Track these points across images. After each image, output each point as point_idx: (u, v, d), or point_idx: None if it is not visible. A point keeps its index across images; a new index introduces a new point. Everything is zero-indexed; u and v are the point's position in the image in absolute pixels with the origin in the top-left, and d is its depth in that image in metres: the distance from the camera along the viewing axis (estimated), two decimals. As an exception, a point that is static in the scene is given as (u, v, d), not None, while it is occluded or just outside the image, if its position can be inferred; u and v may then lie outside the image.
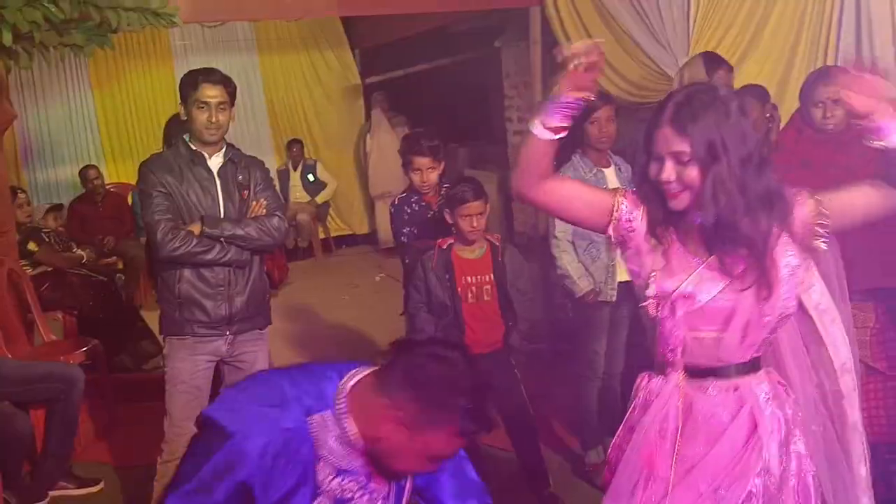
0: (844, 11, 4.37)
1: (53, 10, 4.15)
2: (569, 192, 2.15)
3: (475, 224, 3.63)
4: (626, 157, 4.60)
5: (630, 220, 2.10)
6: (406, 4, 6.50)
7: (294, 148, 9.43)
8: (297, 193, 9.45)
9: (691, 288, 2.05)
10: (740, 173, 1.93)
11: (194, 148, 3.42)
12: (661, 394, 2.17)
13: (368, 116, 9.88)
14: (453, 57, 8.33)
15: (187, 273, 3.38)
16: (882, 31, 4.18)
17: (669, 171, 1.96)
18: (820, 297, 2.18)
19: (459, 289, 3.70)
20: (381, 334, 5.76)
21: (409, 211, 4.00)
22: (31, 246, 6.06)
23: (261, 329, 3.60)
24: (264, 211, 3.47)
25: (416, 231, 3.97)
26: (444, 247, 3.71)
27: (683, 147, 1.93)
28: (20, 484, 4.11)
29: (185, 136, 3.46)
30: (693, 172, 1.94)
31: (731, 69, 4.16)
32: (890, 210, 2.03)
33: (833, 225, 2.02)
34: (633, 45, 5.20)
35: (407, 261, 3.99)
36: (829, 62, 4.35)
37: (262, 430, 1.80)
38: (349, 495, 1.91)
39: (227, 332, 3.45)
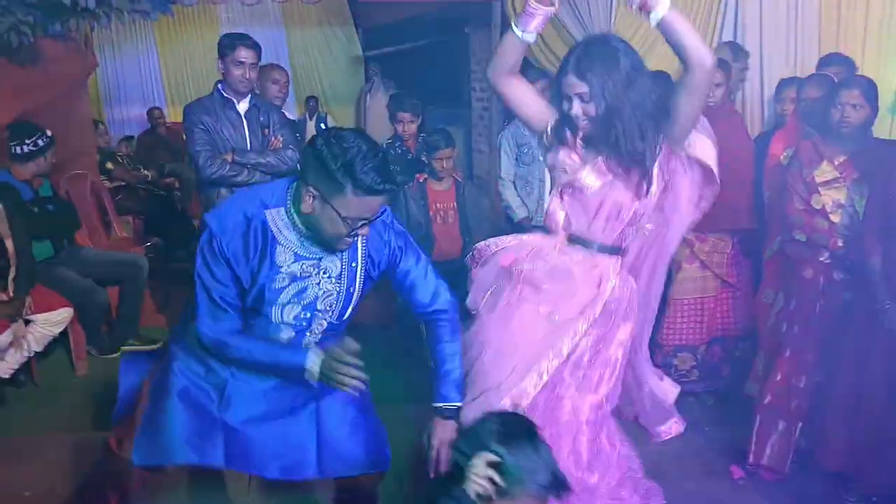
0: (726, 17, 4.28)
1: (128, -19, 4.00)
2: (524, 93, 2.12)
3: (445, 165, 3.64)
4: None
5: (552, 135, 2.11)
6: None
7: (311, 102, 9.27)
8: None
9: (579, 182, 2.06)
10: (629, 106, 1.93)
11: (226, 95, 3.35)
12: (543, 245, 2.18)
13: (367, 81, 9.74)
14: (432, 38, 8.19)
15: (223, 191, 3.33)
16: (751, 38, 4.13)
17: (577, 108, 1.97)
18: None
19: (431, 212, 3.70)
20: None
21: (392, 153, 3.96)
22: (109, 165, 5.95)
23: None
24: (280, 145, 3.43)
25: (397, 168, 3.94)
26: (421, 180, 3.70)
27: (584, 89, 1.93)
28: (100, 340, 4.11)
29: (219, 86, 3.38)
30: (592, 108, 1.95)
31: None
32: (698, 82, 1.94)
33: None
34: (565, 31, 5.09)
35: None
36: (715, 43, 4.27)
37: (228, 214, 1.80)
38: (306, 275, 1.84)
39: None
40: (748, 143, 3.40)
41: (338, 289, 1.89)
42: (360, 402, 2.00)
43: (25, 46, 3.73)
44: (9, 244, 3.39)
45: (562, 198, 2.13)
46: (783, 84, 3.52)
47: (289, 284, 1.83)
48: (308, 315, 1.88)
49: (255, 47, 3.33)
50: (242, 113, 3.39)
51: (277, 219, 1.80)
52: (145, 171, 6.52)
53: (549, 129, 2.10)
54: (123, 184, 6.00)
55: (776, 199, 3.08)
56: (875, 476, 2.62)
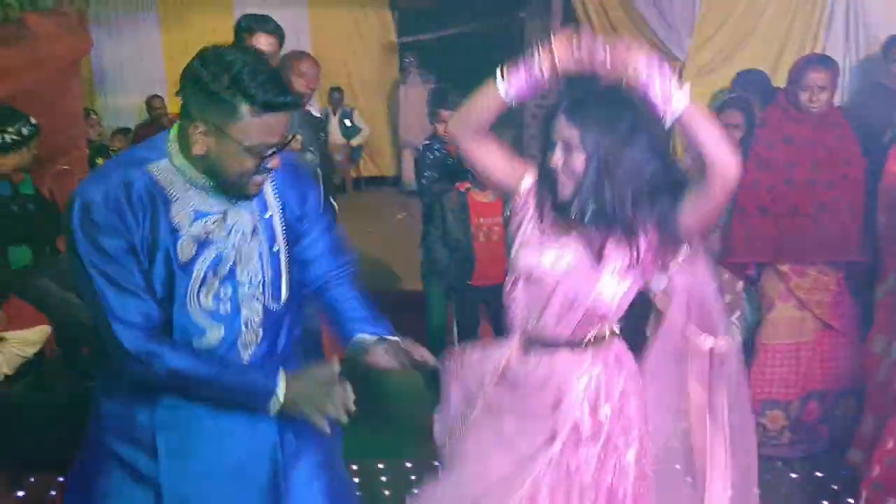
0: (836, 2, 4.30)
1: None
2: (494, 155, 2.03)
3: None
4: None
5: (527, 196, 2.03)
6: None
7: (335, 94, 9.38)
8: (334, 136, 9.39)
9: (538, 267, 1.97)
10: (623, 169, 1.83)
11: None
12: (493, 355, 2.10)
13: (402, 71, 9.81)
14: (480, 23, 8.23)
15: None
16: (872, 20, 4.10)
17: (557, 158, 1.87)
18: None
19: (473, 228, 3.68)
20: (399, 264, 5.76)
21: (430, 156, 3.97)
22: (99, 161, 6.06)
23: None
24: (299, 146, 3.45)
25: (435, 175, 3.94)
26: (462, 189, 3.69)
27: (571, 133, 1.84)
28: (80, 363, 4.15)
29: None
30: (578, 160, 1.85)
31: None
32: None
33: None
34: (643, 23, 5.10)
35: (425, 201, 3.98)
36: (818, 49, 4.27)
37: (102, 179, 1.69)
38: (214, 237, 1.74)
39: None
40: (858, 159, 3.34)
41: (258, 249, 1.80)
42: (333, 463, 1.98)
43: (12, 21, 3.83)
44: (-18, 249, 3.46)
45: (515, 286, 2.04)
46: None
47: (197, 253, 1.73)
48: (230, 292, 1.77)
49: (277, 32, 3.36)
50: (258, 107, 3.43)
51: (165, 172, 1.72)
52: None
53: (520, 189, 2.03)
54: (115, 183, 6.12)
55: (894, 227, 3.02)
56: None
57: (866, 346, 3.22)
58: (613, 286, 1.92)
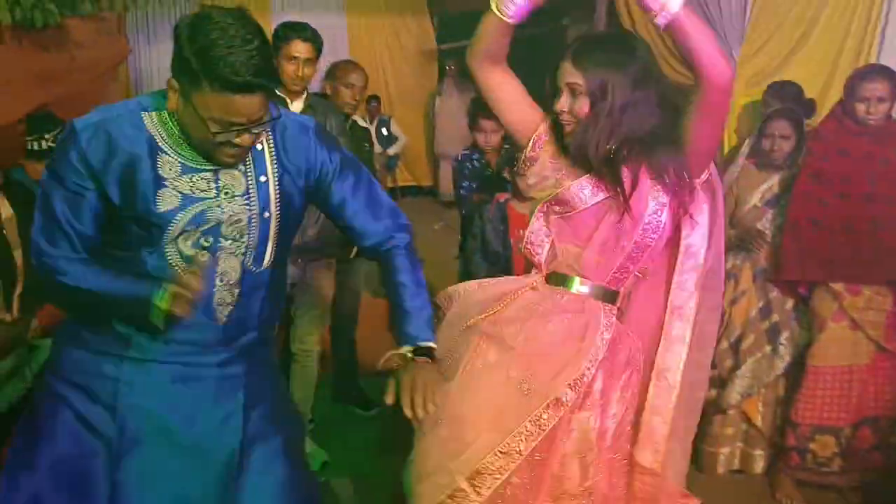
0: (891, 11, 4.25)
1: (169, -45, 4.18)
2: (510, 90, 2.08)
3: None
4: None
5: (542, 144, 2.07)
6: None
7: (372, 103, 9.43)
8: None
9: (569, 194, 2.00)
10: (619, 115, 1.89)
11: (279, 94, 3.44)
12: (514, 289, 2.12)
13: (441, 80, 9.85)
14: (522, 30, 8.24)
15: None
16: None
17: (563, 102, 1.95)
18: (694, 239, 2.06)
19: (512, 239, 3.68)
20: (436, 276, 5.75)
21: (469, 167, 3.99)
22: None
23: (328, 258, 3.63)
24: None
25: (474, 185, 3.97)
26: (502, 200, 3.70)
27: (577, 80, 1.91)
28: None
29: None
30: (583, 105, 1.92)
31: None
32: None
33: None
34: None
35: (464, 212, 4.01)
36: (873, 59, 4.22)
37: (99, 115, 1.73)
38: (201, 194, 1.75)
39: (299, 260, 3.48)
40: (919, 173, 3.28)
41: (247, 212, 1.80)
42: (295, 449, 2.00)
43: (51, 27, 3.93)
44: (17, 256, 3.53)
45: (547, 217, 2.08)
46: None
47: (180, 206, 1.74)
48: (210, 242, 1.78)
49: (314, 40, 3.41)
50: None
51: (157, 122, 1.74)
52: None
53: (534, 136, 2.07)
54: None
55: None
56: None
57: None
58: (660, 217, 1.96)
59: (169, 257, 1.77)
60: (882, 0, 4.29)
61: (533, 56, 8.49)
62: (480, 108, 4.00)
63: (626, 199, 1.94)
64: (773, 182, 3.50)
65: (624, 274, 2.04)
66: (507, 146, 3.94)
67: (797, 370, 3.44)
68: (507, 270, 3.66)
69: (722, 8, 4.88)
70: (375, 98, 9.49)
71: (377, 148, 9.46)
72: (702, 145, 1.95)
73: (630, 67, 1.90)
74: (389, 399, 1.82)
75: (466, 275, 3.82)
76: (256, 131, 1.72)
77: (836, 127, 3.37)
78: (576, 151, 1.97)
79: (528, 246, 2.12)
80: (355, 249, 4.00)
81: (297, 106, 3.47)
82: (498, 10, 1.93)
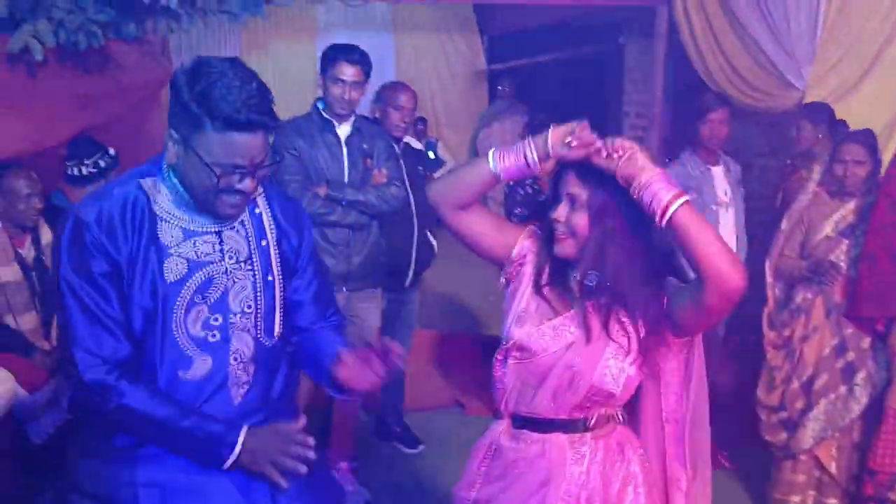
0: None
1: (215, -22, 4.25)
2: (481, 224, 2.01)
3: None
4: (738, 158, 4.48)
5: (522, 262, 2.01)
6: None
7: (419, 125, 9.48)
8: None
9: (529, 340, 1.93)
10: (629, 241, 1.84)
11: (326, 116, 3.48)
12: (487, 437, 2.07)
13: (491, 101, 9.87)
14: (577, 50, 8.25)
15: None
16: None
17: (561, 211, 1.88)
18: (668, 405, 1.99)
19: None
20: (482, 304, 5.75)
21: (522, 193, 3.99)
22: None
23: (374, 288, 3.63)
24: (384, 180, 3.52)
25: (526, 212, 3.96)
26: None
27: (579, 191, 1.85)
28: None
29: (318, 104, 3.52)
30: (582, 219, 1.85)
31: None
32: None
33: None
34: (758, 51, 5.00)
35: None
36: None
37: (99, 197, 1.76)
38: (207, 258, 1.78)
39: (343, 289, 3.49)
40: None
41: (251, 277, 1.83)
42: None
43: (94, 50, 4.02)
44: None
45: (505, 362, 1.99)
46: None
47: (188, 274, 1.76)
48: (220, 321, 1.79)
49: (362, 63, 3.46)
50: (343, 138, 3.51)
51: (154, 188, 1.78)
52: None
53: (513, 256, 2.01)
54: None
55: None
56: None
57: None
58: (619, 366, 1.88)
59: (178, 340, 1.77)
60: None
61: (588, 76, 8.49)
62: (534, 131, 3.99)
63: (638, 336, 1.88)
64: (847, 210, 3.43)
65: (585, 410, 1.95)
66: (561, 171, 3.92)
67: (875, 413, 3.34)
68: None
69: (790, 22, 4.80)
70: (422, 120, 9.55)
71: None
72: (688, 328, 1.88)
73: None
74: None
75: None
76: (259, 177, 1.75)
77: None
78: (583, 276, 1.90)
79: (495, 395, 2.05)
80: (410, 277, 4.01)
81: (344, 129, 3.51)
82: (493, 164, 1.90)
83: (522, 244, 2.01)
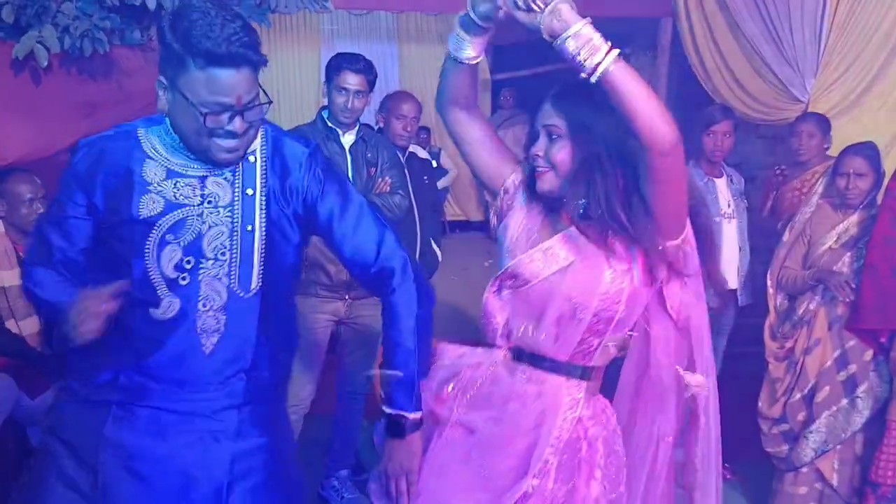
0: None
1: (220, -14, 4.27)
2: (479, 132, 1.99)
3: None
4: (741, 170, 4.49)
5: (512, 198, 1.98)
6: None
7: (422, 135, 9.48)
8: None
9: (523, 267, 1.89)
10: (615, 165, 1.76)
11: (330, 125, 3.50)
12: (481, 364, 1.99)
13: (494, 111, 9.90)
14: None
15: (315, 238, 3.42)
16: None
17: (539, 145, 1.84)
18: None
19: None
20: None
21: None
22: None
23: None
24: (388, 188, 3.53)
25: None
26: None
27: (557, 121, 1.81)
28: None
29: (322, 113, 3.53)
30: (561, 151, 1.81)
31: None
32: None
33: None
34: (761, 63, 5.03)
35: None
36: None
37: (100, 135, 1.87)
38: (184, 201, 1.80)
39: (347, 297, 3.52)
40: None
41: (229, 224, 1.83)
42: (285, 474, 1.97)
43: (99, 56, 4.03)
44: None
45: (500, 292, 1.95)
46: None
47: (161, 213, 1.79)
48: (192, 264, 1.80)
49: (366, 72, 3.47)
50: (347, 147, 3.53)
51: (149, 134, 1.84)
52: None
53: (506, 184, 1.98)
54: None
55: None
56: None
57: None
58: (619, 286, 1.82)
59: (151, 278, 1.80)
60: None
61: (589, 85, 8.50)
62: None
63: (634, 257, 1.83)
64: (850, 223, 3.44)
65: (587, 348, 1.89)
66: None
67: (877, 426, 3.34)
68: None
69: (794, 36, 4.82)
70: (425, 129, 9.56)
71: (426, 181, 9.54)
72: (665, 210, 1.78)
73: (612, 111, 1.69)
74: None
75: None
76: (250, 118, 1.75)
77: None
78: (572, 204, 1.85)
79: (483, 325, 2.01)
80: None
81: (348, 139, 3.52)
82: (455, 57, 1.90)
83: (516, 174, 1.98)
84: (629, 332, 1.95)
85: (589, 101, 1.77)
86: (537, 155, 1.85)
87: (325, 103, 3.54)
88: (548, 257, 1.87)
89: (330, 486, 3.76)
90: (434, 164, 9.51)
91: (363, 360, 3.66)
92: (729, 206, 4.10)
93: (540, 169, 1.86)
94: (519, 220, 1.96)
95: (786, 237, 3.64)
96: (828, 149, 4.01)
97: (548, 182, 1.86)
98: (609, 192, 1.78)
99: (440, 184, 9.62)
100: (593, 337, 1.87)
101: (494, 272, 2.00)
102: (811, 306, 3.46)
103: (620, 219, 1.78)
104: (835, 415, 3.39)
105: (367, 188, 3.51)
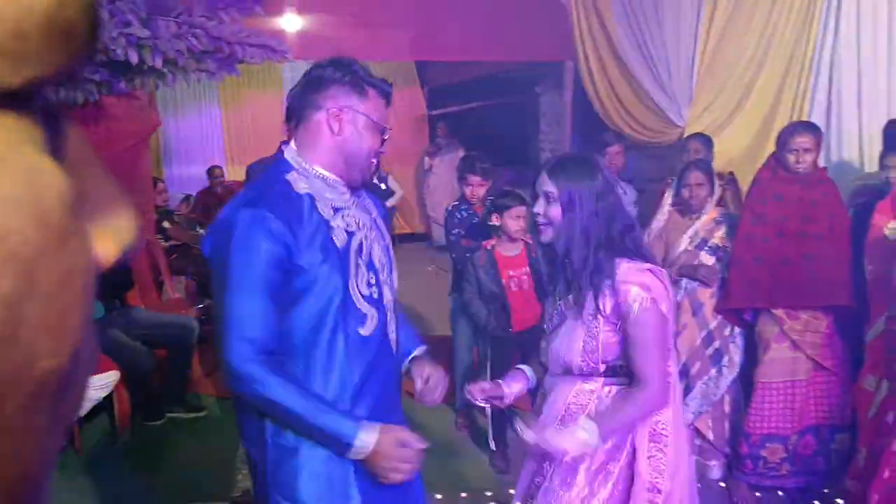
0: (820, 74, 4.33)
1: (194, 42, 4.24)
2: None
3: (521, 224, 3.63)
4: (634, 184, 4.59)
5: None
6: (463, 53, 6.54)
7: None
8: (372, 198, 9.54)
9: (555, 345, 2.04)
10: (587, 223, 1.93)
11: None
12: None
13: (431, 141, 9.97)
14: (501, 98, 8.37)
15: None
16: (848, 93, 4.13)
17: (539, 206, 2.00)
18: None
19: (504, 280, 3.70)
20: (431, 313, 5.78)
21: (458, 216, 4.03)
22: (165, 224, 6.19)
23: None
24: None
25: (462, 233, 4.01)
26: (489, 247, 3.72)
27: (551, 189, 1.96)
28: (145, 405, 4.21)
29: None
30: (555, 211, 1.96)
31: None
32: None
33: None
34: (644, 94, 5.16)
35: (454, 255, 4.04)
36: (804, 117, 4.29)
37: (257, 200, 1.65)
38: (355, 227, 1.75)
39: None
40: (841, 211, 3.34)
41: (380, 240, 1.85)
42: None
43: (90, 104, 3.98)
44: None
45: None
46: (889, 148, 3.47)
47: (348, 241, 1.72)
48: (374, 277, 1.78)
49: None
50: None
51: (300, 179, 1.73)
52: (202, 231, 6.78)
53: None
54: (179, 244, 6.23)
55: (881, 275, 2.99)
56: None
57: (858, 385, 3.16)
58: (593, 343, 1.95)
59: (355, 301, 1.70)
60: (811, 68, 4.38)
61: (511, 119, 8.59)
62: (469, 165, 4.06)
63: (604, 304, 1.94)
64: (697, 227, 3.55)
65: (588, 372, 2.02)
66: (491, 197, 3.98)
67: (738, 387, 3.45)
68: (504, 307, 3.68)
69: (671, 72, 4.97)
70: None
71: (377, 201, 9.54)
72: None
73: (594, 181, 1.93)
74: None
75: (465, 314, 3.84)
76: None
77: (770, 175, 3.41)
78: (562, 252, 1.99)
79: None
80: None
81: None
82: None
83: None
84: None
85: (573, 173, 1.95)
86: (538, 213, 2.01)
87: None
88: (551, 321, 2.10)
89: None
90: (383, 186, 9.53)
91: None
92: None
93: (541, 224, 2.01)
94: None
95: (645, 240, 3.73)
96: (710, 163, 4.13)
97: (547, 233, 2.00)
98: (577, 241, 1.93)
99: (389, 203, 9.63)
100: (586, 369, 2.01)
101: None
102: (677, 298, 3.55)
103: (577, 262, 1.94)
104: (706, 383, 3.49)
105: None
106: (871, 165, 3.95)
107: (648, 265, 1.93)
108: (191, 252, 6.27)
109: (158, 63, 4.16)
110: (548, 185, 1.98)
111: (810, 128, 3.39)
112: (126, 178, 4.64)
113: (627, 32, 5.23)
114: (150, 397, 4.27)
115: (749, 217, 3.37)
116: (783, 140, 3.36)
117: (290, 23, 5.86)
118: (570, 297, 2.01)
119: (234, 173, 9.34)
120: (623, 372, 1.98)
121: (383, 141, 1.80)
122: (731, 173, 4.31)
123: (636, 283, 1.89)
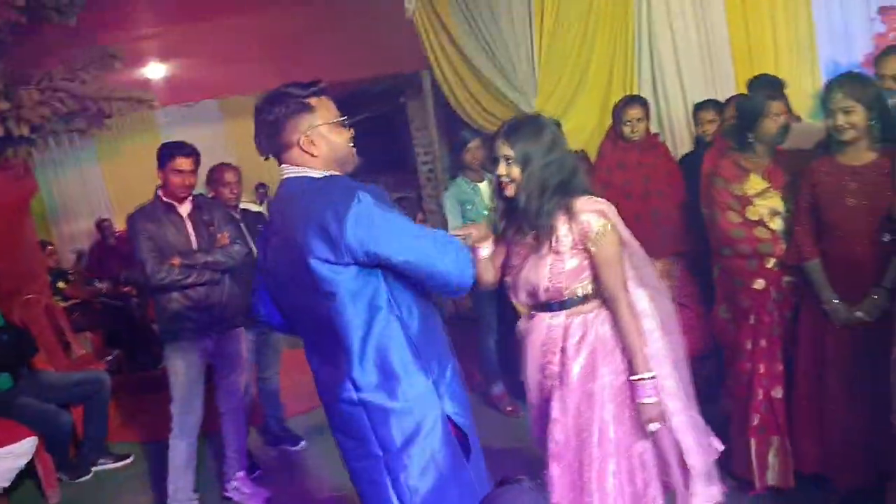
0: (642, 51, 4.57)
1: (59, 105, 4.09)
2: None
3: None
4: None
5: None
6: (329, 73, 6.52)
7: (260, 189, 9.42)
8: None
9: (524, 274, 2.26)
10: (540, 174, 2.14)
11: (167, 200, 3.40)
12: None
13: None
14: (372, 109, 8.40)
15: (175, 294, 3.34)
16: (668, 69, 4.39)
17: (501, 168, 2.20)
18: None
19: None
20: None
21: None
22: (61, 284, 5.95)
23: (238, 328, 3.56)
24: (228, 241, 3.46)
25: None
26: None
27: (509, 152, 2.16)
28: (69, 464, 4.05)
29: (159, 191, 3.42)
30: (515, 170, 2.16)
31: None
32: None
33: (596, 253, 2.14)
34: (498, 92, 5.28)
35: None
36: (634, 91, 4.52)
37: (352, 190, 1.78)
38: None
39: (212, 334, 3.43)
40: (675, 169, 3.57)
41: None
42: None
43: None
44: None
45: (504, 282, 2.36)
46: (698, 108, 3.72)
47: None
48: None
49: (194, 154, 3.39)
50: (185, 215, 3.43)
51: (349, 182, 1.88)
52: (99, 284, 6.51)
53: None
54: (78, 300, 5.98)
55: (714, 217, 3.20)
56: (846, 474, 2.68)
57: (714, 315, 3.32)
58: (558, 268, 2.16)
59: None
60: (635, 44, 4.60)
61: (380, 128, 8.62)
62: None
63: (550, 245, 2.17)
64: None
65: (556, 299, 2.24)
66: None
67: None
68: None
69: (515, 66, 5.10)
70: (262, 185, 9.45)
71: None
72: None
73: (546, 136, 2.14)
74: None
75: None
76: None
77: (611, 146, 3.62)
78: (524, 206, 2.16)
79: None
80: None
81: (185, 208, 3.43)
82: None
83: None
84: None
85: (527, 133, 2.15)
86: (500, 174, 2.18)
87: (161, 183, 3.45)
88: (516, 254, 2.30)
89: (232, 487, 3.61)
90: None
91: (237, 381, 3.58)
92: (492, 202, 4.27)
93: (504, 183, 2.19)
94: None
95: None
96: None
97: (509, 190, 2.18)
98: (534, 189, 2.13)
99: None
100: (556, 295, 2.25)
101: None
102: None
103: (533, 207, 2.13)
104: None
105: (210, 243, 3.44)
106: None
107: (601, 199, 2.17)
108: (91, 307, 6.03)
109: (26, 131, 3.99)
110: (505, 149, 2.17)
111: (638, 100, 3.61)
112: (11, 247, 4.42)
113: (469, 35, 5.31)
114: (74, 455, 4.10)
115: (598, 187, 3.52)
116: (617, 114, 3.56)
117: (154, 70, 5.70)
118: (530, 237, 2.20)
119: (122, 222, 8.97)
120: (583, 300, 2.20)
121: (349, 127, 1.91)
122: (583, 150, 4.48)
123: (594, 211, 2.12)
